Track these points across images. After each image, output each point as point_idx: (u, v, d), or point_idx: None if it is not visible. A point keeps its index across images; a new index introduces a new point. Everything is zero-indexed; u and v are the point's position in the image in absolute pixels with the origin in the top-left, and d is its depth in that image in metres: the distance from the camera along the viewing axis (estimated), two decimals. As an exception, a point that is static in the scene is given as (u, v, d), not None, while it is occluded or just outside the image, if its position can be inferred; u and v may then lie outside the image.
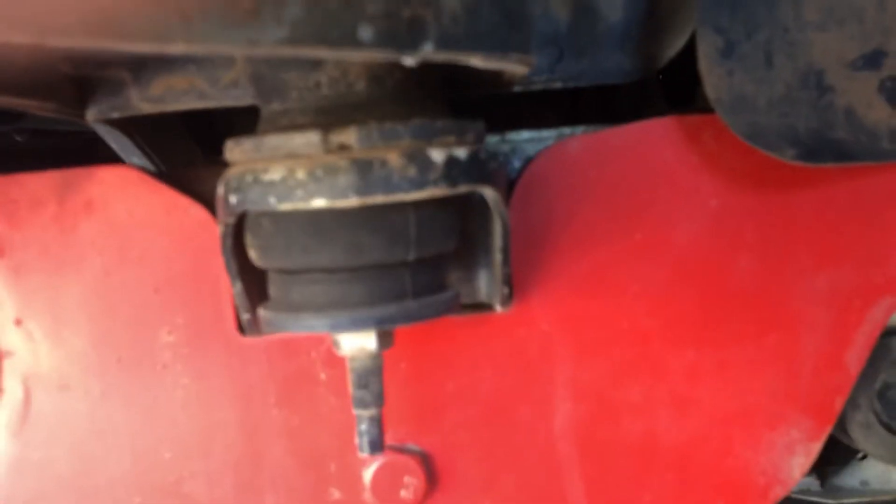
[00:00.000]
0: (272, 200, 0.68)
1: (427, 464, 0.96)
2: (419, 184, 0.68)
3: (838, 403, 0.99)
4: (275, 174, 0.69)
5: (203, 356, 0.94)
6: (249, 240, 0.77)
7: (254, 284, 0.84)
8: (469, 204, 0.84)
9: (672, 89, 1.19)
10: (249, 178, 0.70)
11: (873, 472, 1.43)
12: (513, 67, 0.67)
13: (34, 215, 0.91)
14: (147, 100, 0.92)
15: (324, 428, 0.96)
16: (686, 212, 0.96)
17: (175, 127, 1.25)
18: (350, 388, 0.82)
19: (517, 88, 0.95)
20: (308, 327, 0.74)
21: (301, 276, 0.74)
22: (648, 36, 0.96)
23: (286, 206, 0.68)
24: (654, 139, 0.95)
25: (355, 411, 0.82)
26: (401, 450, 0.96)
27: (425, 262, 0.76)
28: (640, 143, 0.95)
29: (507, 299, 0.88)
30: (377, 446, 0.82)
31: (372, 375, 0.80)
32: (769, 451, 1.00)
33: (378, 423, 0.82)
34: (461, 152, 0.71)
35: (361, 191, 0.67)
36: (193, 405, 0.95)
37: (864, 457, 1.38)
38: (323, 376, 0.96)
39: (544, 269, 0.95)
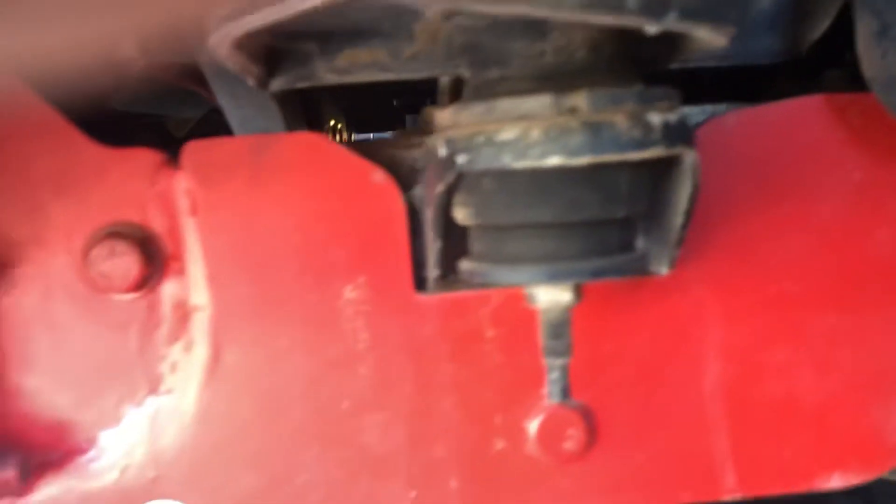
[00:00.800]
0: (506, 159, 0.75)
1: (588, 418, 1.03)
2: (642, 144, 0.74)
3: (968, 367, 1.05)
4: (508, 135, 0.75)
5: (382, 313, 1.00)
6: (463, 198, 0.83)
7: (448, 241, 0.90)
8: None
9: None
10: (481, 139, 0.76)
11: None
12: (719, 40, 0.74)
13: (228, 177, 0.97)
14: (332, 71, 0.98)
15: (490, 383, 1.02)
16: (831, 185, 1.02)
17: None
18: (542, 339, 0.88)
19: (673, 66, 1.01)
20: (526, 278, 0.80)
21: (518, 231, 0.81)
22: (796, 19, 1.03)
23: (520, 165, 0.74)
24: (804, 116, 1.02)
25: (547, 360, 0.88)
26: (563, 404, 1.02)
27: (629, 221, 0.83)
28: (791, 119, 1.02)
29: (674, 263, 0.94)
30: (567, 394, 0.88)
31: (564, 327, 0.87)
32: None
33: (568, 371, 0.88)
34: (672, 117, 0.77)
35: (594, 150, 0.73)
36: (371, 359, 1.01)
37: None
38: (490, 334, 1.02)
39: (697, 238, 1.01)
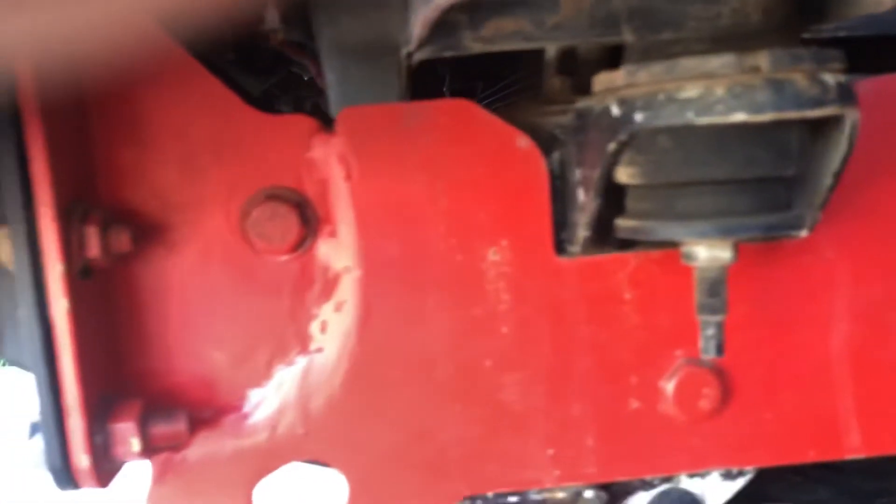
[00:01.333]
0: (690, 115, 0.78)
1: (722, 378, 1.06)
2: (820, 102, 0.77)
3: None
4: (692, 92, 0.78)
5: (523, 275, 1.04)
6: (632, 157, 0.86)
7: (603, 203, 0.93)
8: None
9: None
10: (661, 97, 0.80)
11: None
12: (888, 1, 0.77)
13: (381, 142, 1.01)
14: (478, 40, 1.01)
15: (627, 343, 1.06)
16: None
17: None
18: (698, 297, 0.91)
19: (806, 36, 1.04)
20: (698, 233, 0.83)
21: (688, 188, 0.84)
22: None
23: (704, 121, 0.77)
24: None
25: (702, 317, 0.91)
26: (697, 364, 1.06)
27: (793, 179, 0.86)
28: (923, 86, 1.05)
29: (814, 225, 0.97)
30: (722, 349, 0.91)
31: (721, 284, 0.90)
32: None
33: (723, 328, 0.91)
34: (842, 78, 0.80)
35: (777, 106, 0.76)
36: (513, 319, 1.04)
37: None
38: (628, 296, 1.05)
39: (831, 203, 1.04)
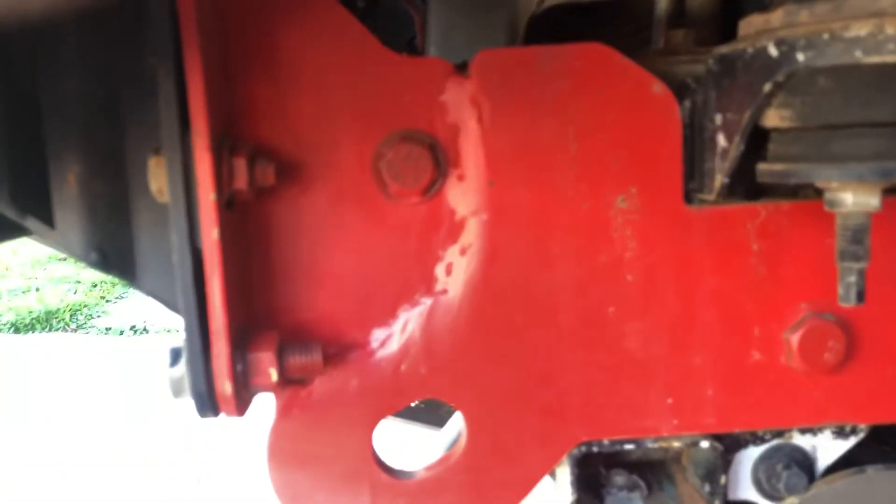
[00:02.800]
0: (858, 54, 0.77)
1: (847, 331, 1.05)
2: None
3: None
4: (860, 31, 0.77)
5: (651, 223, 1.04)
6: (785, 99, 0.86)
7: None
8: None
9: None
10: (826, 36, 0.79)
11: None
12: None
13: (515, 86, 1.01)
14: None
15: (751, 295, 1.05)
16: None
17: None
18: (840, 244, 0.91)
19: None
20: (857, 176, 0.83)
21: (847, 131, 0.83)
22: None
23: (873, 59, 0.77)
24: None
25: (844, 264, 0.91)
26: (823, 317, 1.05)
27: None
28: None
29: None
30: (863, 297, 0.91)
31: (865, 232, 0.89)
32: None
33: (865, 276, 0.91)
34: None
35: (951, 45, 0.75)
36: (638, 268, 1.05)
37: None
38: (755, 247, 1.05)
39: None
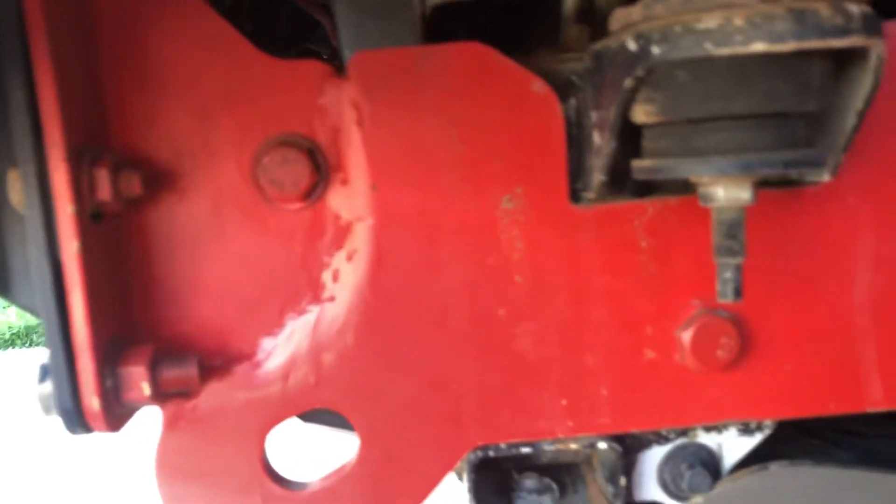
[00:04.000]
0: (708, 46, 0.76)
1: (740, 327, 1.04)
2: (843, 32, 0.75)
3: None
4: (710, 23, 0.76)
5: (537, 224, 1.02)
6: (648, 94, 0.84)
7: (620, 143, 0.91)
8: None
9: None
10: (678, 29, 0.77)
11: None
12: None
13: (394, 87, 0.99)
14: None
15: (642, 293, 1.04)
16: None
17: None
18: (716, 239, 0.89)
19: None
20: (718, 169, 0.81)
21: (707, 124, 0.82)
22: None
23: (723, 51, 0.75)
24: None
25: (720, 260, 0.89)
26: (715, 313, 1.04)
27: (813, 116, 0.84)
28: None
29: (837, 169, 0.95)
30: (740, 293, 0.89)
31: (739, 226, 0.88)
32: None
33: (741, 271, 0.89)
34: (867, 9, 0.78)
35: (798, 35, 0.74)
36: (527, 268, 1.03)
37: None
38: (644, 244, 1.03)
39: (853, 149, 1.02)
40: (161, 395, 0.96)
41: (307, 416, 1.50)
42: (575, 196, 1.03)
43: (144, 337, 1.00)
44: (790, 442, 1.59)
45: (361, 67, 0.99)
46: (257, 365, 1.04)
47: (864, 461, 1.56)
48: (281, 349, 1.04)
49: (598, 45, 0.93)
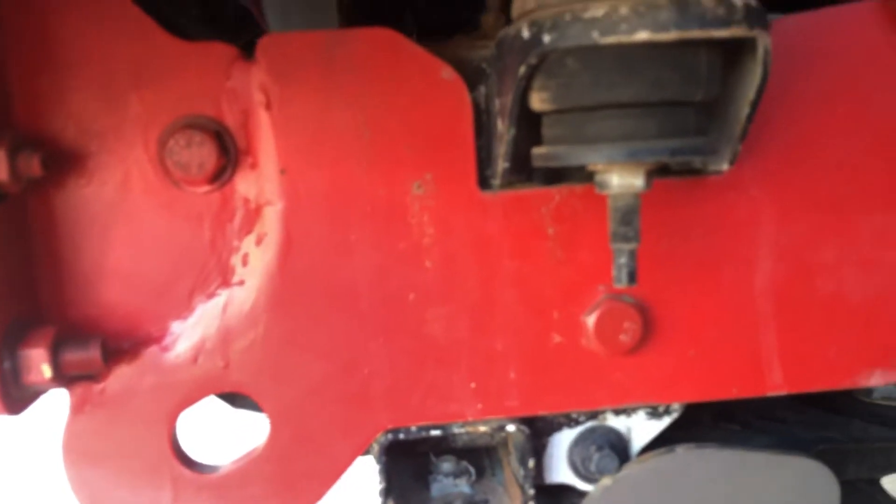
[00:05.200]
0: (595, 34, 0.77)
1: (644, 313, 1.06)
2: (726, 22, 0.77)
3: None
4: (597, 11, 0.77)
5: (447, 209, 1.03)
6: (543, 82, 0.86)
7: (520, 133, 0.93)
8: None
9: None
10: (567, 17, 0.79)
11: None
12: None
13: (302, 71, 1.00)
14: None
15: (549, 278, 1.06)
16: (885, 87, 1.05)
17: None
18: (611, 225, 0.91)
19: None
20: (607, 156, 0.83)
21: (598, 112, 0.84)
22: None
23: (609, 40, 0.77)
24: (861, 20, 1.04)
25: (615, 246, 0.91)
26: (619, 299, 1.06)
27: (702, 106, 0.86)
28: (848, 23, 1.04)
29: (735, 158, 0.97)
30: (634, 278, 0.91)
31: (634, 213, 0.90)
32: None
33: (635, 257, 0.91)
34: (752, 1, 0.80)
35: (680, 25, 0.76)
36: (436, 253, 1.04)
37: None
38: (551, 231, 1.05)
39: (754, 138, 1.05)
40: (64, 378, 0.96)
41: (237, 402, 1.50)
42: (484, 183, 1.04)
43: (49, 319, 0.99)
44: (712, 429, 1.63)
45: (269, 51, 0.99)
46: (166, 348, 1.04)
47: (782, 446, 1.60)
48: (190, 332, 1.04)
49: (501, 33, 0.95)
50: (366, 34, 1.00)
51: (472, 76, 1.03)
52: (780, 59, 1.02)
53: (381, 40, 1.00)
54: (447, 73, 1.01)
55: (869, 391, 1.74)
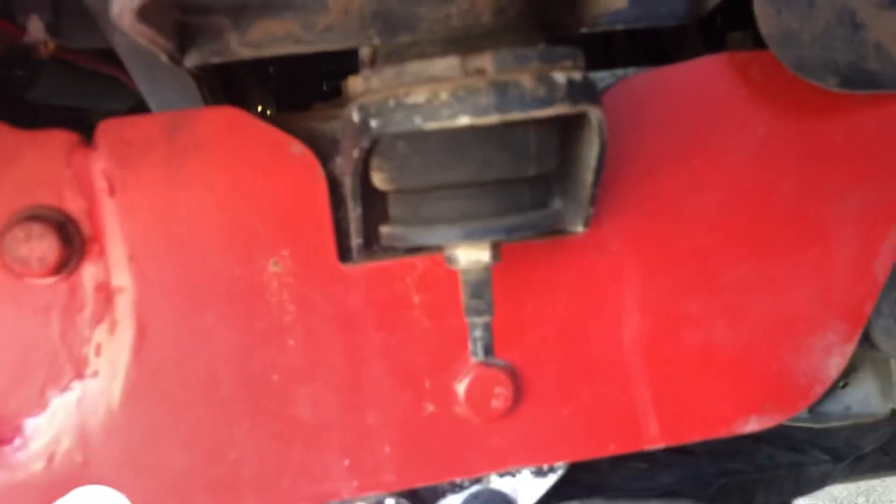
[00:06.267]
0: (418, 120, 0.76)
1: (514, 376, 1.05)
2: (547, 102, 0.77)
3: (868, 308, 1.12)
4: (419, 97, 0.76)
5: (307, 285, 1.01)
6: (379, 163, 0.85)
7: (368, 208, 0.91)
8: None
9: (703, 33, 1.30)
10: (392, 103, 0.78)
11: (854, 398, 1.57)
12: (619, 1, 0.77)
13: (145, 155, 0.97)
14: (246, 45, 0.97)
15: (418, 348, 1.04)
16: (737, 140, 1.07)
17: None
18: (463, 299, 0.90)
19: (584, 30, 1.04)
20: (443, 237, 0.82)
21: (432, 193, 0.83)
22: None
23: (431, 126, 0.76)
24: (709, 74, 1.06)
25: (469, 319, 0.90)
26: (489, 364, 1.05)
27: (539, 179, 0.85)
28: (696, 78, 1.06)
29: (588, 221, 0.98)
30: (490, 351, 0.91)
31: (485, 286, 0.89)
32: (809, 355, 1.12)
33: (490, 329, 0.91)
34: (577, 75, 0.80)
35: (501, 109, 0.75)
36: (299, 331, 1.02)
37: (846, 385, 1.53)
38: (416, 300, 1.04)
39: (612, 196, 1.05)
40: None
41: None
42: (345, 255, 1.02)
43: None
44: (617, 468, 1.63)
45: (109, 135, 0.96)
46: (21, 447, 0.99)
47: (687, 482, 1.61)
48: (44, 430, 1.00)
49: (344, 111, 0.93)
50: (209, 113, 0.98)
51: (327, 147, 1.02)
52: (628, 116, 1.03)
53: (223, 118, 0.98)
54: (297, 148, 0.99)
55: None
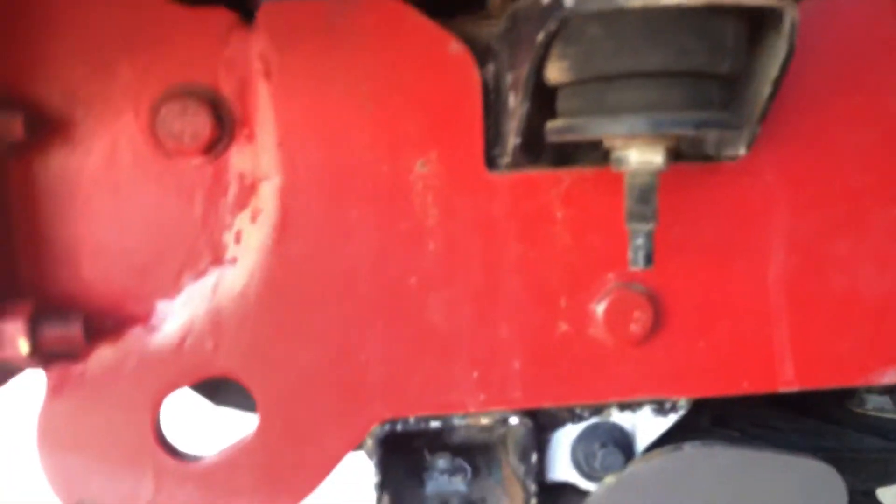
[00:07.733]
0: (621, -2, 0.73)
1: (654, 302, 1.02)
2: None
3: None
4: (623, -26, 0.73)
5: (452, 189, 0.99)
6: (561, 51, 0.82)
7: (533, 108, 0.89)
8: None
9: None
10: (592, -20, 0.75)
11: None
12: None
13: (304, 41, 0.95)
14: None
15: (557, 264, 1.01)
16: (902, 78, 1.02)
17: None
18: (627, 204, 0.87)
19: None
20: (629, 127, 0.79)
21: (619, 82, 0.80)
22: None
23: (636, 4, 0.73)
24: (880, 9, 1.01)
25: (632, 226, 0.87)
26: (629, 287, 1.02)
27: (728, 77, 0.82)
28: (865, 10, 1.01)
29: (752, 142, 0.94)
30: (651, 260, 0.87)
31: (651, 192, 0.86)
32: None
33: (653, 238, 0.87)
34: None
35: (711, -12, 0.72)
36: (440, 236, 0.99)
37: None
38: (560, 215, 1.01)
39: (771, 124, 1.01)
40: (42, 356, 0.90)
41: (217, 399, 1.44)
42: (491, 163, 1.00)
43: (28, 293, 0.93)
44: (710, 433, 1.59)
45: (270, 19, 0.94)
46: (152, 329, 0.98)
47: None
48: (178, 313, 0.98)
49: (516, 5, 0.91)
50: (370, 4, 0.96)
51: (480, 54, 0.99)
52: (800, 41, 0.99)
53: (385, 10, 0.96)
54: (455, 46, 0.97)
55: (862, 403, 1.71)
